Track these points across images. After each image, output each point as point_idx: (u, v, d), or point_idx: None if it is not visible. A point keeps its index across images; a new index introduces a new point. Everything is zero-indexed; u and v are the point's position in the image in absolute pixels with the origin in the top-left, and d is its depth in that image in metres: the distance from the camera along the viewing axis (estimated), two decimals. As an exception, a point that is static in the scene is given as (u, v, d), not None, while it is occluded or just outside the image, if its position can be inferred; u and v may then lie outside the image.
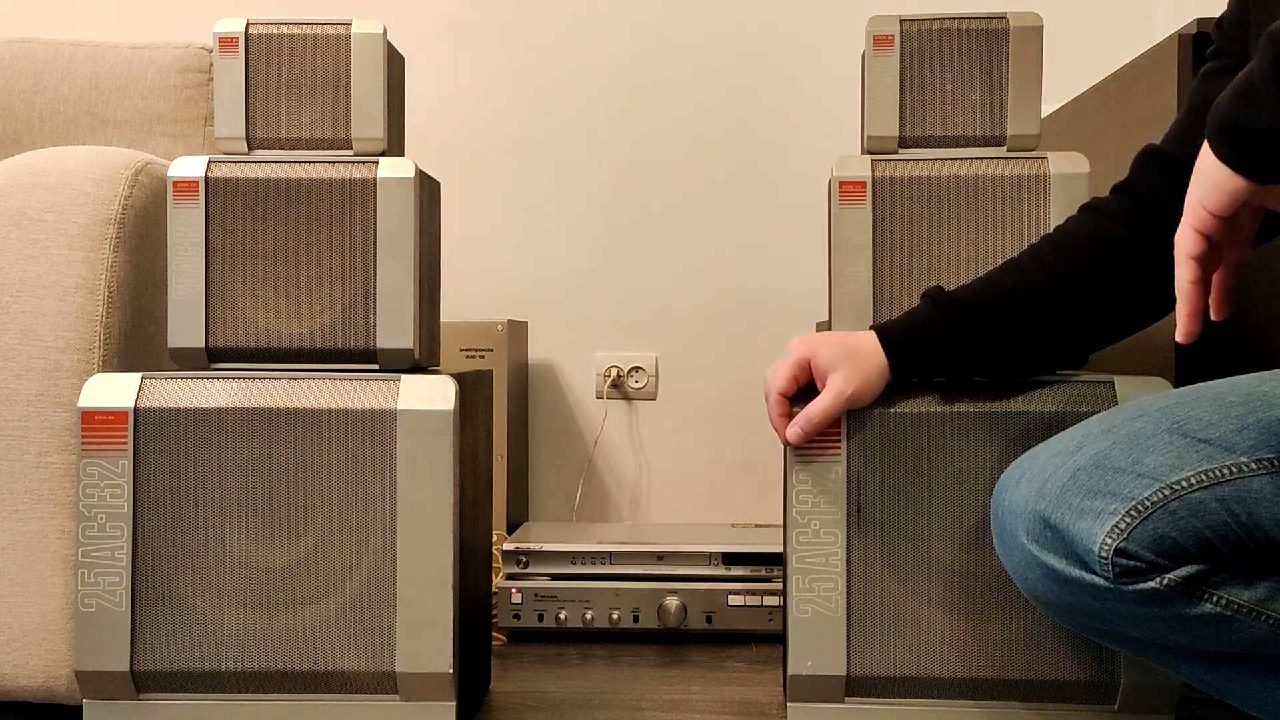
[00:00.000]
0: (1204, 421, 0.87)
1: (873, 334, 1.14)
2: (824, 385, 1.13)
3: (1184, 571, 0.85)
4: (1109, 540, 0.86)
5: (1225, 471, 0.84)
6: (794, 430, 1.13)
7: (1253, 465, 0.84)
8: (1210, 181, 0.86)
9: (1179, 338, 0.90)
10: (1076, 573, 0.89)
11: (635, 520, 2.11)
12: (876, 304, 1.21)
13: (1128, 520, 0.85)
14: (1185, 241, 0.89)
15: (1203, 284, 0.90)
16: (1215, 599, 0.85)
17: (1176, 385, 1.14)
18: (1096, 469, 0.89)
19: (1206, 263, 0.90)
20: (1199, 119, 1.02)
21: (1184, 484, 0.85)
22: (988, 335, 1.11)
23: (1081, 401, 1.13)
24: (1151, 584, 0.85)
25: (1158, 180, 1.09)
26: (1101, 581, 0.87)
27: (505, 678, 1.46)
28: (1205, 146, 0.86)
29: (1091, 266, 1.10)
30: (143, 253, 1.25)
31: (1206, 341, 0.92)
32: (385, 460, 1.14)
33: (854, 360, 1.12)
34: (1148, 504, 0.85)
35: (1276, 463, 0.84)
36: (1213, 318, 0.92)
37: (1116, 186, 1.13)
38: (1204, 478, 0.84)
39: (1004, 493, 0.99)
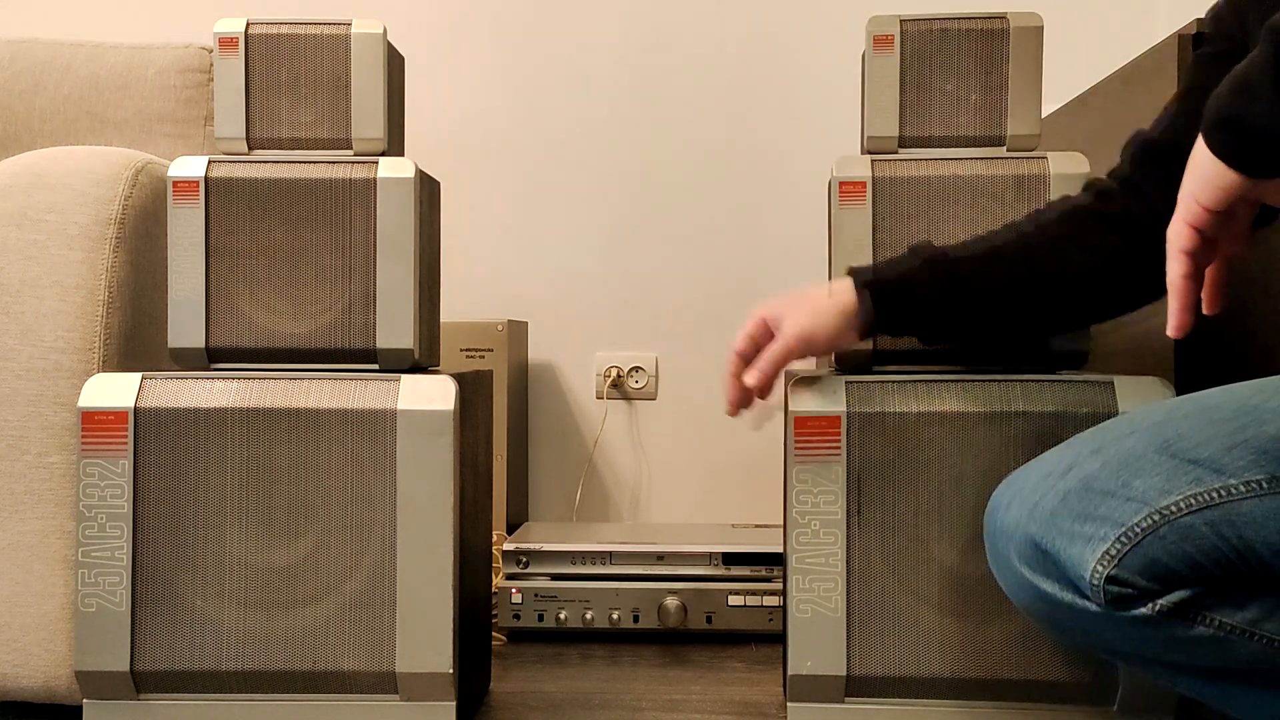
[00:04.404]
0: (1193, 440, 0.86)
1: (844, 279, 1.14)
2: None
3: (1176, 596, 0.84)
4: (1100, 567, 0.85)
5: (1214, 495, 0.83)
6: (751, 374, 1.13)
7: (1241, 488, 0.83)
8: (1204, 176, 0.85)
9: (1170, 331, 0.90)
10: (1069, 597, 0.89)
11: (635, 520, 2.11)
12: (876, 304, 1.21)
13: (1118, 546, 0.85)
14: (1178, 236, 0.88)
15: (1195, 278, 0.89)
16: (1208, 621, 0.84)
17: (1176, 385, 1.14)
18: (1086, 492, 0.88)
19: (1199, 257, 0.89)
20: (1191, 108, 1.01)
21: (1173, 509, 0.84)
22: (964, 285, 1.11)
23: (1081, 402, 1.13)
24: (1144, 610, 0.85)
25: (1152, 174, 1.08)
26: (1094, 607, 0.86)
27: (505, 678, 1.46)
28: (1200, 140, 0.85)
29: (1087, 239, 1.09)
30: (143, 253, 1.25)
31: (1206, 342, 0.92)
32: (385, 460, 1.14)
33: (802, 303, 1.13)
34: (1138, 530, 0.84)
35: (1265, 485, 0.82)
36: (1204, 311, 0.92)
37: (1117, 178, 1.12)
38: (1193, 501, 0.83)
39: (995, 514, 0.99)
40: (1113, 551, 0.85)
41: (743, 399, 1.16)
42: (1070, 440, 0.97)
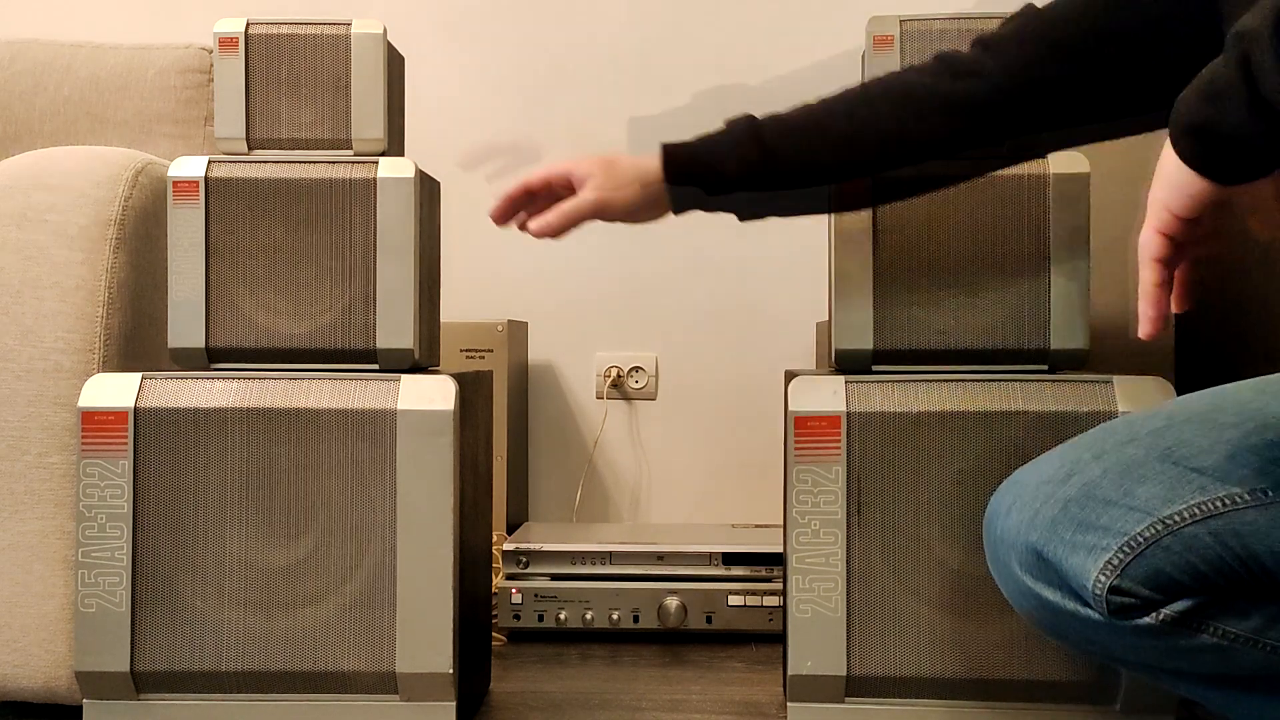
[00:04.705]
0: (1195, 447, 0.85)
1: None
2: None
3: (1179, 606, 0.84)
4: (1102, 577, 0.84)
5: (1218, 504, 0.83)
6: (537, 221, 1.19)
7: (1245, 497, 0.82)
8: (1174, 183, 0.84)
9: (1142, 335, 0.89)
10: (1071, 606, 0.88)
11: (635, 520, 2.11)
12: (877, 303, 1.21)
13: (1121, 556, 0.84)
14: (1149, 244, 0.87)
15: (1166, 285, 0.89)
16: (1211, 630, 0.84)
17: (1176, 384, 1.14)
18: (1087, 500, 0.87)
19: (1170, 263, 0.88)
20: (1099, 5, 1.04)
21: (1177, 518, 0.83)
22: (771, 159, 1.14)
23: (1081, 401, 1.13)
24: (1147, 620, 0.84)
25: (1025, 47, 1.08)
26: (1097, 616, 0.86)
27: (505, 678, 1.46)
28: (1167, 147, 0.84)
29: (917, 119, 1.11)
30: (143, 253, 1.25)
31: (1206, 342, 0.92)
32: (385, 460, 1.14)
33: (610, 170, 1.18)
34: (1140, 540, 0.84)
35: (1269, 493, 0.82)
36: (1173, 310, 0.91)
37: (982, 41, 1.11)
38: (1196, 511, 0.83)
39: (994, 521, 0.98)
40: (1115, 561, 0.84)
41: (514, 219, 1.23)
42: (1069, 443, 0.96)
